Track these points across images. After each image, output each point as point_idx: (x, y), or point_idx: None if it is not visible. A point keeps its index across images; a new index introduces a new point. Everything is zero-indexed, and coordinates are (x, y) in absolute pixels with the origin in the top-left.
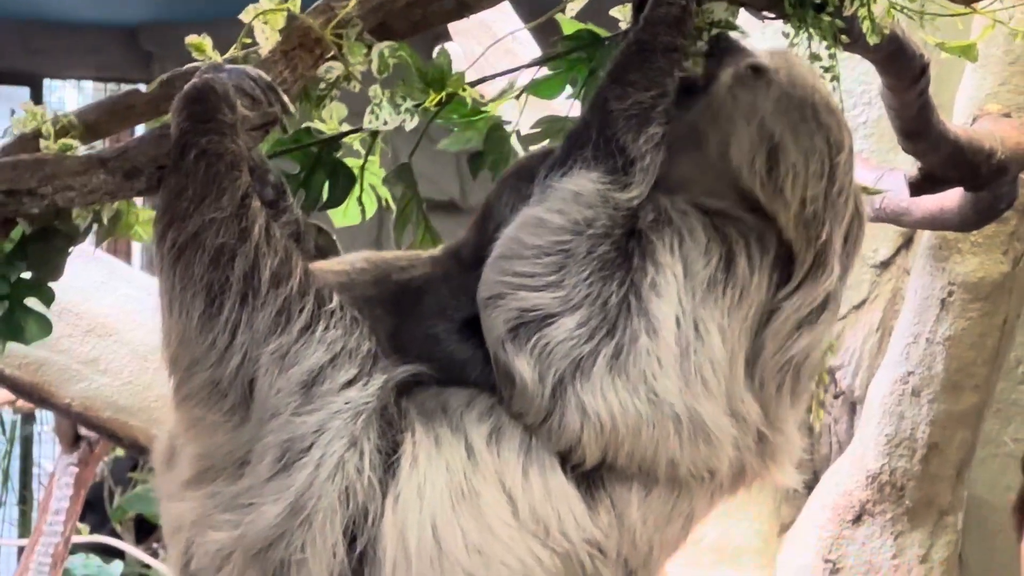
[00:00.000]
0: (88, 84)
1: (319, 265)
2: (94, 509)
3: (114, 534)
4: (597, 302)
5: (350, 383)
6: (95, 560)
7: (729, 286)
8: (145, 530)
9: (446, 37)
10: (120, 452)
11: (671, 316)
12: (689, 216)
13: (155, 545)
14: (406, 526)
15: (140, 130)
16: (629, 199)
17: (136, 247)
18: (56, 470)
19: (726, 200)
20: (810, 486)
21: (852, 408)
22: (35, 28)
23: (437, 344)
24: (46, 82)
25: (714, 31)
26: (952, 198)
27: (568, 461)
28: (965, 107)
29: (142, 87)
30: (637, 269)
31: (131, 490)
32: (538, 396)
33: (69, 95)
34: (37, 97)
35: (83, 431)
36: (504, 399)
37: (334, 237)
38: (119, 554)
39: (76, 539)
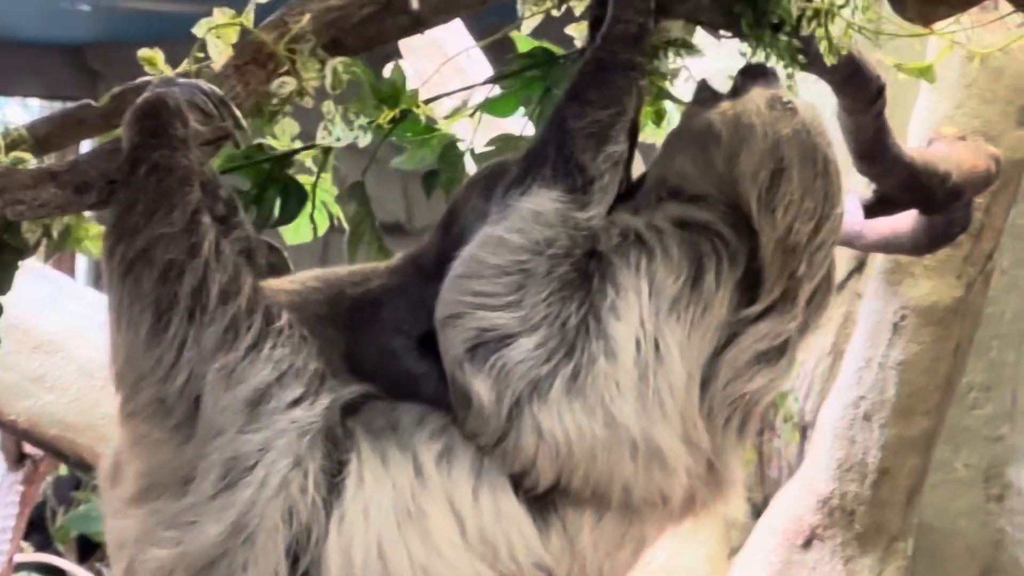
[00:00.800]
0: (34, 102)
1: (271, 283)
2: (36, 529)
3: (57, 554)
4: (556, 323)
5: (296, 402)
6: None
7: (693, 302)
8: (88, 550)
9: (397, 56)
10: (63, 471)
11: (631, 338)
12: (664, 234)
13: (98, 565)
14: (351, 545)
15: (86, 146)
16: (588, 218)
17: (81, 263)
18: (1, 488)
19: (713, 210)
20: (760, 510)
21: (803, 432)
22: None
23: (394, 359)
24: None
25: (671, 49)
26: (905, 221)
27: (521, 484)
28: (920, 130)
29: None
30: (597, 291)
31: (74, 509)
32: (494, 417)
33: (14, 113)
34: None
35: (28, 449)
36: (459, 419)
37: (285, 254)
38: (61, 574)
39: (19, 558)
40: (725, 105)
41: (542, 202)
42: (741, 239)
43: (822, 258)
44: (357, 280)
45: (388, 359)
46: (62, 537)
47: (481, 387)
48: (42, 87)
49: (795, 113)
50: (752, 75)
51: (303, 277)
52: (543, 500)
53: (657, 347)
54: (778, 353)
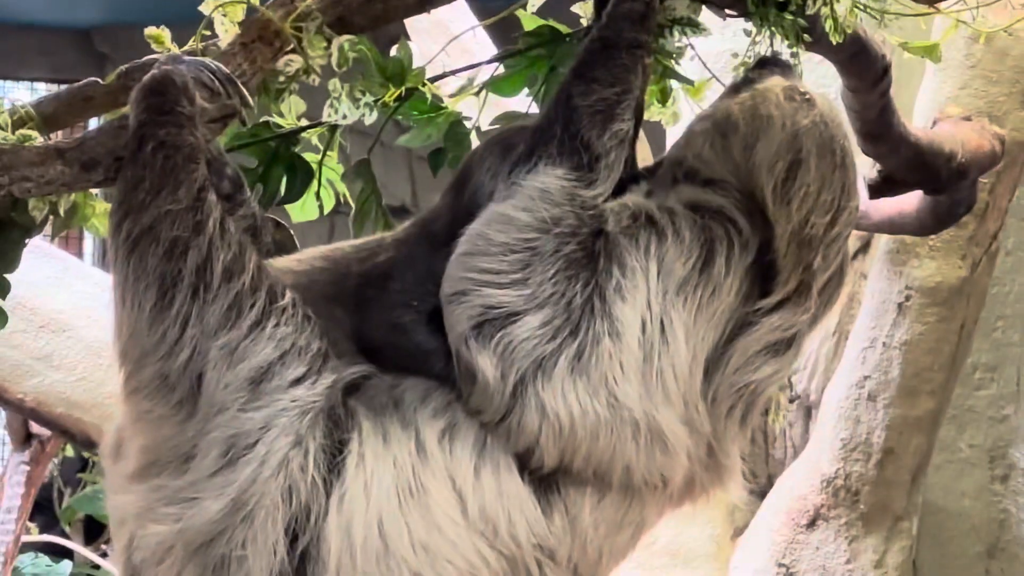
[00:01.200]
0: (41, 86)
1: (277, 262)
2: (42, 510)
3: (63, 535)
4: (561, 302)
5: (298, 381)
6: (44, 559)
7: (702, 284)
8: (94, 531)
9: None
10: (70, 452)
11: (636, 319)
12: (677, 215)
13: (104, 546)
14: (351, 523)
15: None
16: (594, 196)
17: (88, 242)
18: (7, 468)
19: (728, 196)
20: (764, 490)
21: (807, 412)
22: None
23: (404, 335)
24: None
25: (676, 28)
26: (910, 202)
27: (526, 463)
28: (925, 111)
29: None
30: (602, 271)
31: (80, 491)
32: (498, 394)
33: (22, 96)
34: None
35: (34, 429)
36: (463, 395)
37: (291, 232)
38: (68, 554)
39: (26, 538)
40: (744, 95)
41: (548, 180)
42: (754, 228)
43: (836, 250)
44: (364, 255)
45: (398, 334)
46: (68, 518)
47: (486, 364)
48: (49, 70)
49: (813, 105)
50: (770, 66)
51: (309, 255)
52: (547, 480)
53: (663, 328)
54: (787, 345)
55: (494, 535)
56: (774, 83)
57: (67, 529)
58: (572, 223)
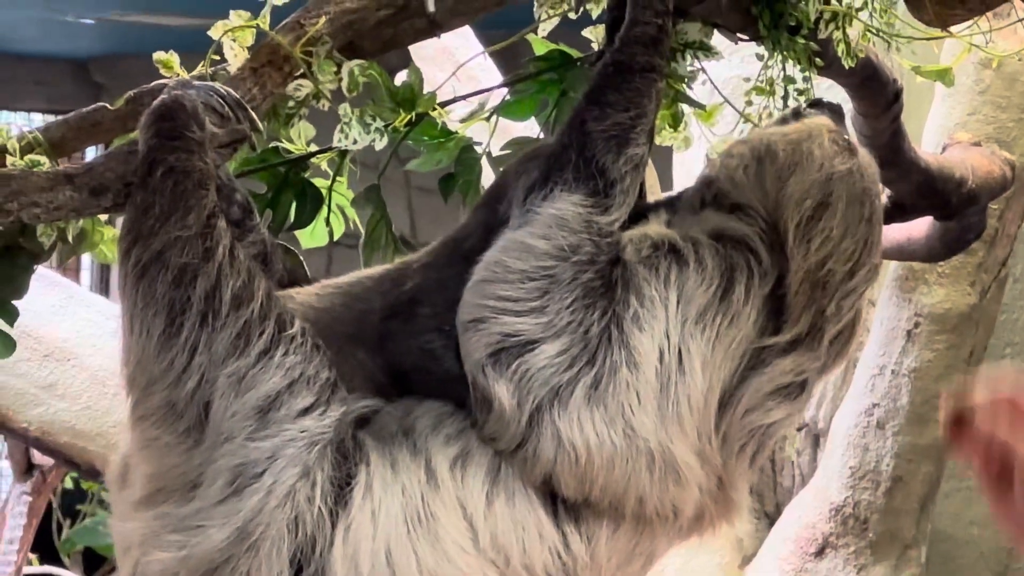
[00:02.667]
0: (37, 116)
1: (298, 298)
2: (41, 541)
3: (62, 567)
4: (579, 330)
5: (306, 411)
6: None
7: (721, 312)
8: (93, 563)
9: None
10: (69, 484)
11: (654, 349)
12: (700, 245)
13: None
14: (358, 552)
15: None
16: (610, 222)
17: (85, 268)
18: (9, 499)
19: (752, 224)
20: (772, 519)
21: (816, 440)
22: None
23: (433, 360)
24: None
25: (688, 52)
26: (920, 228)
27: (546, 491)
28: (934, 136)
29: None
30: (620, 301)
31: (80, 523)
32: (514, 422)
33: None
34: None
35: (36, 460)
36: (478, 422)
37: (301, 258)
38: None
39: (27, 569)
40: (789, 127)
41: (564, 207)
42: (774, 259)
43: (851, 303)
44: (387, 287)
45: (427, 360)
46: (68, 550)
47: (502, 392)
48: (45, 100)
49: (854, 155)
50: (821, 107)
51: (330, 290)
52: (567, 509)
53: (680, 359)
54: (798, 389)
55: (506, 564)
56: (822, 123)
57: (66, 561)
58: (590, 251)
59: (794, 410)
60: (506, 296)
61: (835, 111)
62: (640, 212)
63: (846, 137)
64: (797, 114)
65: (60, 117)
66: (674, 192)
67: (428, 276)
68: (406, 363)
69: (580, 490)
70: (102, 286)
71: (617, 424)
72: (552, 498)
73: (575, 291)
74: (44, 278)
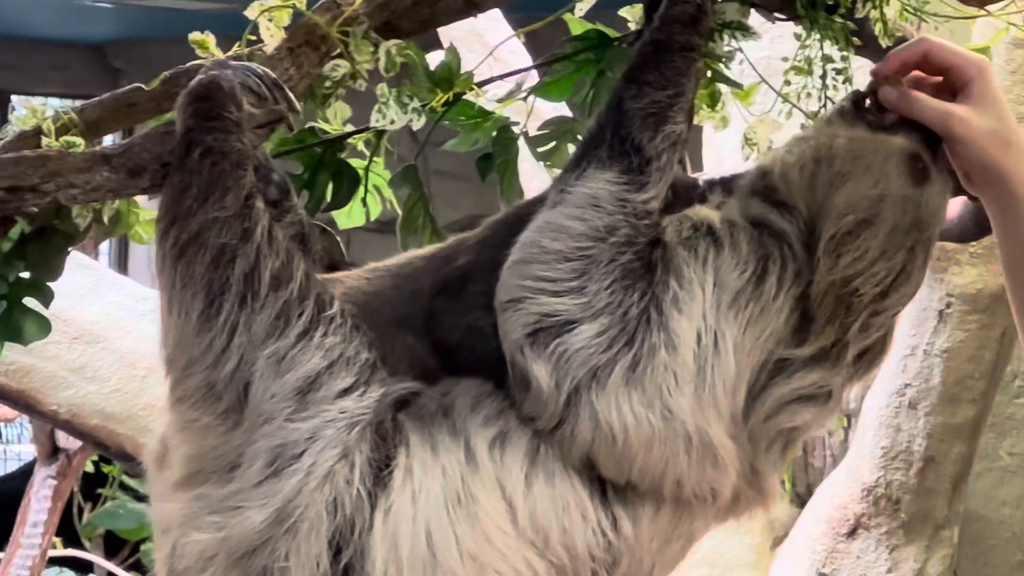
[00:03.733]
0: (55, 101)
1: (347, 280)
2: (62, 525)
3: (83, 550)
4: (618, 312)
5: (346, 392)
6: (68, 574)
7: (753, 300)
8: (114, 546)
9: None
10: (90, 468)
11: (692, 331)
12: (737, 228)
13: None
14: (398, 534)
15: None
16: (645, 200)
17: (103, 249)
18: (34, 482)
19: (794, 223)
20: (804, 499)
21: (847, 421)
22: (3, 44)
23: (481, 338)
24: (13, 98)
25: (726, 31)
26: (953, 208)
27: (591, 473)
28: None
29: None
30: (659, 282)
31: (101, 506)
32: (552, 402)
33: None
34: (3, 113)
35: (61, 443)
36: (517, 402)
37: (338, 238)
38: (90, 568)
39: (51, 553)
40: (862, 134)
41: (598, 185)
42: (808, 263)
43: (879, 325)
44: (438, 264)
45: (474, 338)
46: (89, 534)
47: (540, 372)
48: (62, 85)
49: (921, 183)
50: (909, 128)
51: (380, 272)
52: (609, 488)
53: (716, 343)
54: (825, 397)
55: (544, 545)
56: (899, 142)
57: (87, 544)
58: (627, 232)
59: (820, 414)
60: (544, 276)
61: (927, 135)
62: (693, 191)
63: (923, 163)
64: (879, 122)
65: (75, 102)
66: (728, 174)
67: (482, 253)
68: (452, 340)
69: (619, 471)
70: (120, 268)
71: (655, 406)
72: (595, 479)
73: (614, 272)
74: (73, 260)
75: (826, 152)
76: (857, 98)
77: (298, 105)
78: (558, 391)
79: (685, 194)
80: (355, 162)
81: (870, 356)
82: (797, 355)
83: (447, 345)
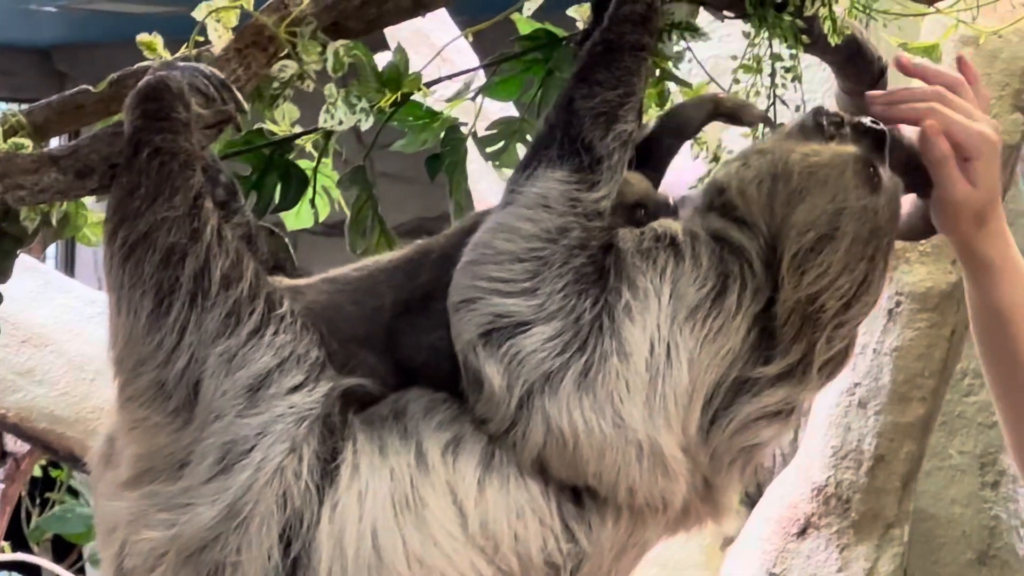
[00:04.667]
0: (1, 105)
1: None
2: (10, 530)
3: (31, 554)
4: (571, 316)
5: (296, 388)
6: None
7: (711, 316)
8: (62, 551)
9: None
10: (38, 472)
11: (645, 341)
12: (699, 241)
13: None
14: (344, 532)
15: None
16: (596, 199)
17: (50, 252)
18: None
19: (753, 240)
20: (754, 499)
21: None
22: None
23: (445, 358)
24: None
25: (675, 31)
26: (902, 206)
27: (548, 480)
28: None
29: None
30: (612, 290)
31: (49, 510)
32: (504, 404)
33: None
34: None
35: (9, 447)
36: (470, 403)
37: (286, 240)
38: (38, 572)
39: None
40: (815, 147)
41: (548, 184)
42: (768, 280)
43: (843, 335)
44: (400, 280)
45: (439, 357)
46: (37, 538)
47: (493, 372)
48: (8, 89)
49: (875, 191)
50: (862, 132)
51: (340, 283)
52: (568, 496)
53: (668, 353)
54: (789, 413)
55: (494, 551)
56: (851, 152)
57: (35, 549)
58: (580, 235)
59: (784, 430)
60: (496, 277)
61: (875, 136)
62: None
63: (874, 170)
64: (831, 131)
65: (36, 103)
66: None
67: (445, 269)
68: (416, 360)
69: (572, 475)
70: (67, 271)
71: (606, 412)
72: (555, 487)
73: (567, 275)
74: (20, 263)
75: (783, 168)
76: (817, 113)
77: (246, 106)
78: (510, 393)
79: (656, 212)
80: (303, 163)
81: (831, 367)
82: (764, 373)
83: (411, 365)
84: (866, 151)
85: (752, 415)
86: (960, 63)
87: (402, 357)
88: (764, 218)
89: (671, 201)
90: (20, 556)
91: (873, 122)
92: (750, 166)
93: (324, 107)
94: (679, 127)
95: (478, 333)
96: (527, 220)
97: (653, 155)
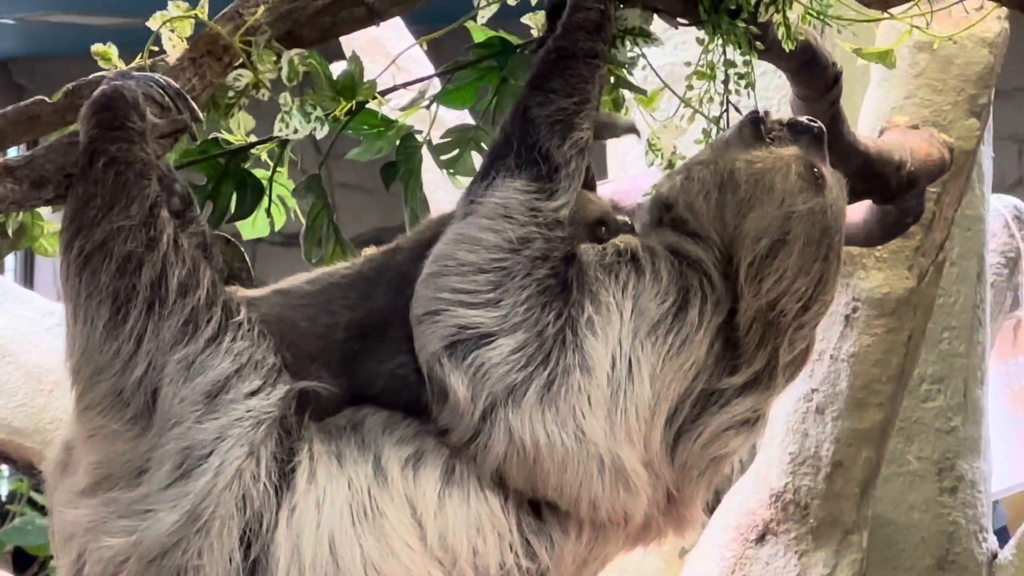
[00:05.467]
0: None
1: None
2: None
3: None
4: (534, 329)
5: (254, 393)
6: None
7: (673, 331)
8: (23, 563)
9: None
10: None
11: (607, 355)
12: (658, 256)
13: None
14: (301, 538)
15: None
16: (556, 208)
17: (8, 263)
18: None
19: (708, 252)
20: (712, 506)
21: None
22: None
23: (405, 386)
24: None
25: (628, 38)
26: (857, 212)
27: (508, 494)
28: (870, 120)
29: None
30: (575, 303)
31: (9, 523)
32: (468, 415)
33: None
34: None
35: None
36: (434, 413)
37: (242, 249)
38: None
39: None
40: (757, 154)
41: (508, 194)
42: (727, 290)
43: (803, 336)
44: (354, 299)
45: (399, 385)
46: None
47: (458, 384)
48: None
49: (820, 190)
50: (798, 132)
51: (294, 298)
52: (528, 510)
53: (630, 368)
54: (755, 421)
55: (452, 564)
56: (792, 154)
57: None
58: (541, 245)
59: (751, 437)
60: (460, 288)
61: (811, 134)
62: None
63: (816, 169)
64: (769, 136)
65: None
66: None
67: (401, 291)
68: (375, 387)
69: (532, 488)
70: (26, 282)
71: (568, 426)
72: (517, 501)
73: (530, 287)
74: None
75: (728, 178)
76: (754, 118)
77: (201, 115)
78: (474, 404)
79: (618, 229)
80: (259, 172)
81: (792, 368)
82: (731, 383)
83: (368, 392)
84: (806, 150)
85: (723, 425)
86: None
87: (360, 383)
88: (716, 229)
89: (630, 219)
90: None
91: (810, 120)
92: (694, 178)
93: (279, 116)
94: None
95: (443, 345)
96: (488, 231)
97: None
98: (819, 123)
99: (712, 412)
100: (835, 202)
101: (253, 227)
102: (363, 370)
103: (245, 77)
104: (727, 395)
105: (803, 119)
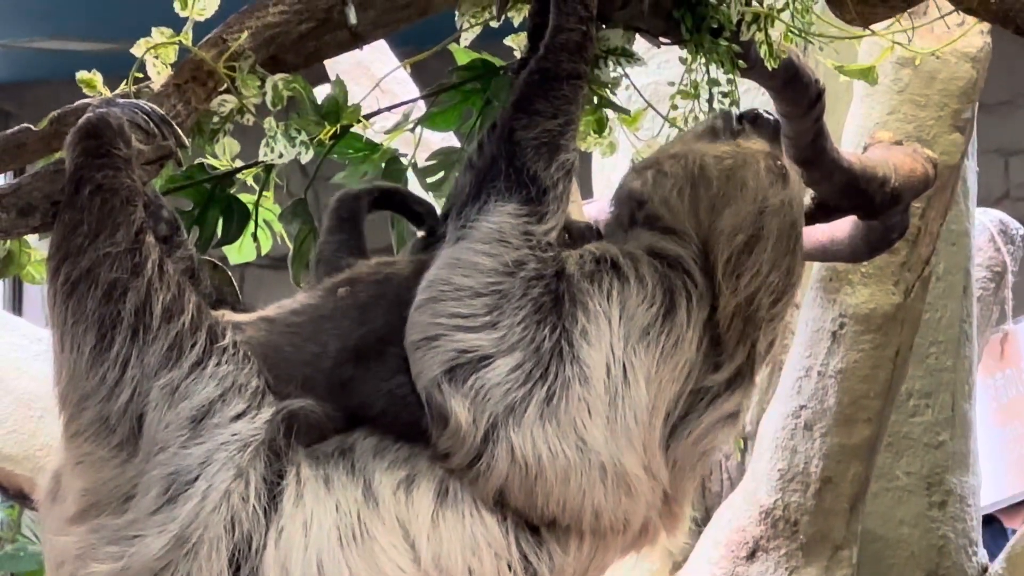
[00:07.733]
0: None
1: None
2: None
3: None
4: (531, 346)
5: (239, 416)
6: None
7: (664, 333)
8: None
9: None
10: None
11: (602, 363)
12: (640, 261)
13: None
14: (289, 560)
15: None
16: (546, 231)
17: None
18: None
19: (686, 248)
20: (702, 523)
21: (744, 443)
22: None
23: (404, 406)
24: None
25: (611, 58)
26: (843, 228)
27: (505, 512)
28: (854, 136)
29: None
30: (568, 315)
31: (1, 550)
32: (470, 437)
33: None
34: None
35: None
36: (433, 438)
37: (230, 274)
38: None
39: None
40: (725, 148)
41: (501, 219)
42: (708, 285)
43: (774, 328)
44: (347, 327)
45: (398, 405)
46: None
47: (459, 408)
48: None
49: (786, 183)
50: (758, 125)
51: (280, 325)
52: (525, 527)
53: (625, 374)
54: (737, 415)
55: None
56: (758, 148)
57: None
58: (536, 266)
59: (735, 431)
60: (457, 313)
61: (771, 127)
62: (589, 232)
63: (780, 161)
64: (731, 130)
65: None
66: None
67: (399, 312)
68: (374, 408)
69: (531, 503)
70: (15, 309)
71: (569, 438)
72: (513, 520)
73: (525, 307)
74: None
75: (700, 173)
76: (727, 117)
77: (186, 141)
78: (476, 426)
79: (580, 237)
80: (245, 197)
81: (763, 360)
82: (716, 380)
83: (367, 413)
84: (770, 144)
85: (712, 422)
86: None
87: (357, 405)
88: (691, 225)
89: (594, 224)
90: None
91: (767, 112)
92: (666, 173)
93: (264, 141)
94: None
95: (442, 370)
96: (484, 255)
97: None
98: (774, 115)
99: (701, 410)
100: (798, 195)
101: (240, 252)
102: (361, 391)
103: (230, 102)
104: (713, 392)
105: (761, 112)
